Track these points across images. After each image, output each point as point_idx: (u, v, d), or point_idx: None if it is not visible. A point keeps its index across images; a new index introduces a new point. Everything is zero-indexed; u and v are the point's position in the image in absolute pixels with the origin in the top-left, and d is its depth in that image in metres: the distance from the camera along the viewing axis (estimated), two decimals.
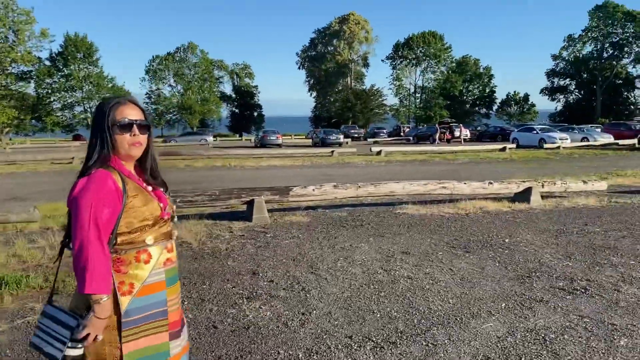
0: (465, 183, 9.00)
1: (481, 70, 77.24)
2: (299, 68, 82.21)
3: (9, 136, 65.16)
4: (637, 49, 64.99)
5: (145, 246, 1.83)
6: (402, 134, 49.89)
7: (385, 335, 3.54)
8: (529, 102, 75.03)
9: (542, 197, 9.50)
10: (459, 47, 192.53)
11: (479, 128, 46.74)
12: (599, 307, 3.99)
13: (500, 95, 77.72)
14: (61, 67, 58.02)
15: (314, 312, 4.00)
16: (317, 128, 67.01)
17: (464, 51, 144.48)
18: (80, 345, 1.74)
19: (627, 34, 65.20)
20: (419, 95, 75.75)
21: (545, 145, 28.81)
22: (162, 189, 1.98)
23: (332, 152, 25.70)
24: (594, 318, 3.77)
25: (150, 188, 1.90)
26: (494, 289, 4.47)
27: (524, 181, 9.31)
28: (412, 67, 73.90)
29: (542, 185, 9.27)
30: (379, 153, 25.48)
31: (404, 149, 28.66)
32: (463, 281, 4.71)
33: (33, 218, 6.81)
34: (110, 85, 61.53)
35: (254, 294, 4.43)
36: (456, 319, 3.79)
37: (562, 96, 73.88)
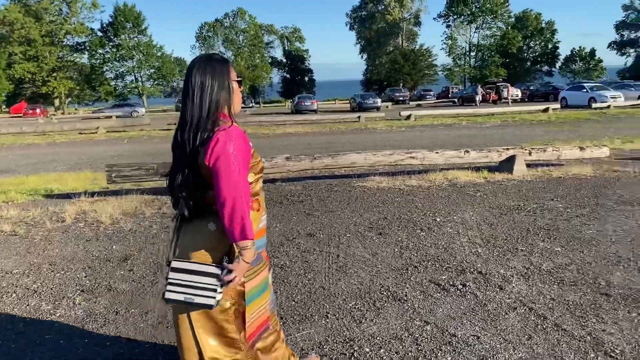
0: (437, 152, 8.16)
1: (543, 25, 72.34)
2: (350, 29, 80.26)
3: (74, 106, 68.21)
4: None
5: (257, 196, 2.01)
6: (450, 95, 47.86)
7: None
8: (596, 58, 69.89)
9: (532, 165, 8.55)
10: (518, 1, 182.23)
11: (531, 87, 43.91)
12: (456, 310, 3.30)
13: (564, 52, 72.75)
14: (112, 37, 59.38)
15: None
16: (367, 92, 65.48)
17: (524, 5, 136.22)
18: (221, 290, 1.88)
19: None
20: (474, 54, 72.03)
21: (595, 105, 26.49)
22: None
23: (359, 117, 24.80)
24: (437, 325, 3.09)
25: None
26: (357, 284, 3.84)
27: (507, 149, 8.34)
28: (466, 24, 70.10)
29: (530, 153, 8.28)
30: (408, 117, 24.38)
31: (437, 112, 27.22)
32: (337, 272, 4.10)
33: None
34: (159, 53, 62.50)
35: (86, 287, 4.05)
36: None
37: (632, 50, 68.02)
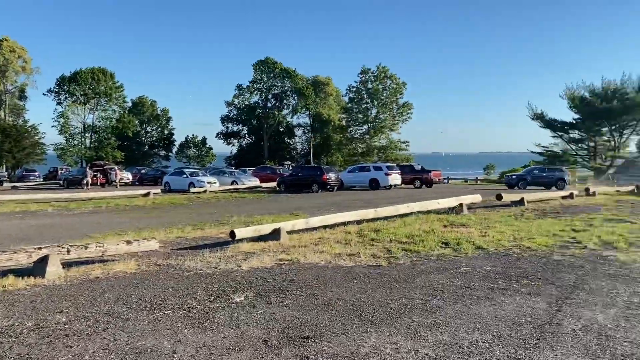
0: None
1: (159, 112, 76.32)
2: None
3: None
4: (293, 102, 73.57)
5: None
6: (57, 177, 44.06)
7: None
8: (207, 145, 77.33)
9: (77, 264, 7.53)
10: (136, 88, 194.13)
11: (142, 171, 44.59)
12: None
13: (180, 138, 78.39)
14: None
15: None
16: None
17: (141, 92, 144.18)
18: None
19: (285, 88, 73.36)
20: (90, 134, 69.63)
21: (194, 190, 28.30)
22: None
23: None
24: None
25: None
26: None
27: (40, 248, 7.12)
28: (80, 104, 67.51)
29: (68, 251, 7.26)
30: None
31: (25, 197, 23.92)
32: None
33: None
34: None
35: None
36: None
37: (236, 140, 78.08)
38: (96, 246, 7.61)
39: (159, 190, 27.47)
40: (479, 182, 43.30)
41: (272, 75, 72.54)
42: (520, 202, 16.84)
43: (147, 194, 25.42)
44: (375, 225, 12.01)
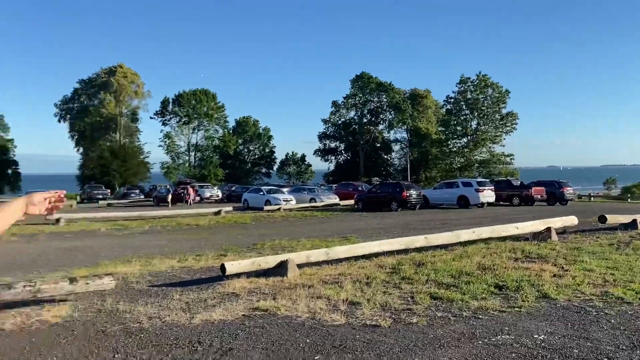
0: None
1: (261, 130, 77.53)
2: (59, 121, 73.24)
3: None
4: (390, 116, 71.07)
5: None
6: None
7: None
8: (306, 162, 77.16)
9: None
10: (237, 108, 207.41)
11: (233, 188, 44.72)
12: None
13: (281, 155, 78.93)
14: None
15: None
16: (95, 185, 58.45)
17: (245, 112, 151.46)
18: None
19: (381, 103, 71.15)
20: (194, 153, 72.52)
21: (268, 207, 27.18)
22: None
23: None
24: None
25: None
26: None
27: None
28: (183, 124, 70.63)
29: None
30: (57, 221, 20.72)
31: (97, 215, 23.94)
32: None
33: None
34: None
35: None
36: None
37: (333, 157, 77.10)
38: (23, 287, 6.12)
39: (230, 208, 26.64)
40: (592, 199, 37.85)
41: (367, 90, 70.56)
42: (632, 224, 13.27)
43: (219, 212, 24.61)
44: (423, 256, 9.54)
